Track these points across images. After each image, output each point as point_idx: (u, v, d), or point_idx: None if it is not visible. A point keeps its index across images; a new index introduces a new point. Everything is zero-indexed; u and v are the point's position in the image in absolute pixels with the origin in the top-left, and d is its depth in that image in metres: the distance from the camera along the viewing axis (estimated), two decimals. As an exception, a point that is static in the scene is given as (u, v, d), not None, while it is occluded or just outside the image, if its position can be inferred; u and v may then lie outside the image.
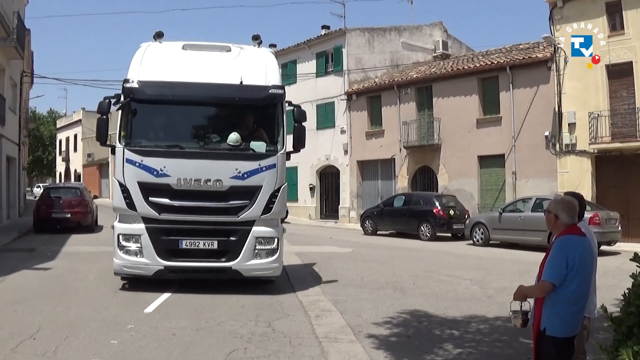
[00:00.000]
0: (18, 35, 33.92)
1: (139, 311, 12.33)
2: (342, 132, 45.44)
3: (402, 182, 41.01)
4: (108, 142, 14.70)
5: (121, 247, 14.21)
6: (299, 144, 14.97)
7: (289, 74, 48.43)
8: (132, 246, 14.16)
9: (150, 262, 14.04)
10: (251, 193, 14.21)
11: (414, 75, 40.77)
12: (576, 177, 30.91)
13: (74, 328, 10.95)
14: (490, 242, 28.40)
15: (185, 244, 14.15)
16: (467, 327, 11.60)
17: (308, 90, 46.64)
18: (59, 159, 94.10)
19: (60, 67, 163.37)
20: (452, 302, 14.08)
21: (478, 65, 36.83)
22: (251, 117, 15.03)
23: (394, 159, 41.64)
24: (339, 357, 9.46)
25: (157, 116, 15.05)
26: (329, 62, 47.14)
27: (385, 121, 42.38)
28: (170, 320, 11.62)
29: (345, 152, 45.22)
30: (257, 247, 14.38)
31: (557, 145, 32.15)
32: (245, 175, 14.08)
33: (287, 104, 15.06)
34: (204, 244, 14.21)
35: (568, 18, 31.42)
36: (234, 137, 14.20)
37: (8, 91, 36.86)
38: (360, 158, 44.27)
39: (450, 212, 31.81)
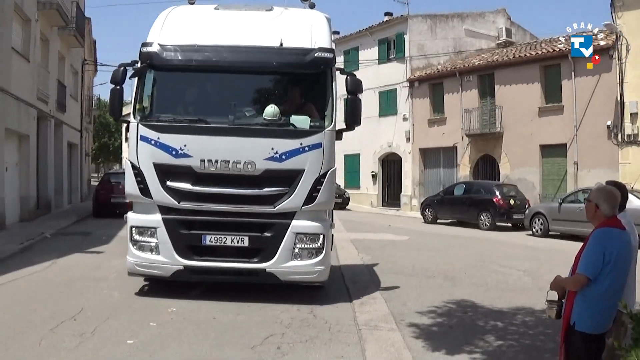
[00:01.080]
0: (77, 24, 35.26)
1: (182, 294, 12.32)
2: (405, 119, 45.21)
3: (463, 171, 40.66)
4: (122, 118, 13.15)
5: (134, 242, 12.03)
6: (353, 120, 12.21)
7: (350, 60, 48.62)
8: (147, 241, 11.96)
9: (168, 260, 11.83)
10: (291, 178, 11.72)
11: (476, 63, 40.37)
12: (638, 168, 30.02)
13: (116, 310, 11.28)
14: (550, 232, 27.76)
15: (210, 239, 11.82)
16: (512, 318, 11.37)
17: (370, 77, 46.05)
18: (124, 145, 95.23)
19: (125, 55, 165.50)
20: (501, 292, 13.83)
21: (540, 52, 36.16)
22: (293, 86, 12.77)
23: (456, 147, 41.25)
24: (376, 346, 9.40)
25: (178, 85, 12.77)
26: (391, 49, 46.94)
27: (448, 109, 42.01)
28: (213, 304, 11.77)
29: (408, 139, 44.98)
30: (297, 246, 11.87)
31: (619, 136, 31.43)
32: (284, 157, 11.58)
33: (338, 72, 12.54)
34: (233, 241, 11.82)
35: (630, 5, 30.67)
36: (270, 110, 11.77)
37: (69, 78, 37.92)
38: (423, 146, 43.98)
39: (511, 201, 31.27)
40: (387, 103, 46.69)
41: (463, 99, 40.56)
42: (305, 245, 11.99)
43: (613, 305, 5.91)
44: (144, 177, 11.80)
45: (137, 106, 12.02)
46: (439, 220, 34.82)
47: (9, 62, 24.19)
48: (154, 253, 11.92)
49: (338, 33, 51.55)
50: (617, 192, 6.33)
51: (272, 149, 11.61)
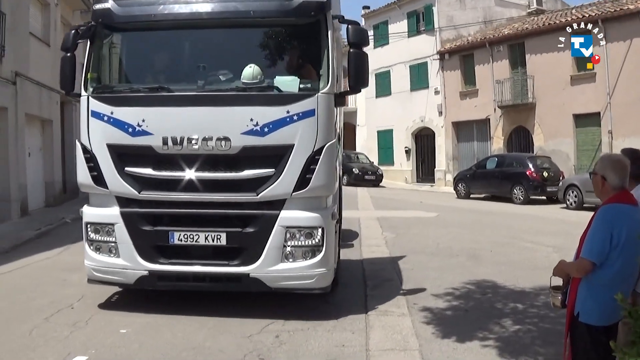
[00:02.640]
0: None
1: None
2: (436, 92, 44.63)
3: (497, 144, 40.00)
4: (75, 92, 10.07)
5: (91, 242, 9.83)
6: (357, 80, 9.58)
7: (381, 35, 48.28)
8: (104, 241, 9.75)
9: (130, 264, 9.58)
10: (276, 157, 9.33)
11: (506, 32, 39.59)
12: (677, 135, 28.88)
13: (117, 299, 10.77)
14: (584, 205, 26.84)
15: (179, 237, 9.48)
16: (534, 300, 10.70)
17: (400, 51, 46.32)
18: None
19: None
20: (526, 271, 13.11)
21: (570, 19, 35.05)
22: (277, 40, 10.23)
23: (489, 119, 40.57)
24: (382, 333, 8.91)
25: (137, 47, 10.55)
26: (420, 22, 46.30)
27: (479, 80, 41.35)
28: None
29: (440, 113, 44.40)
30: (288, 243, 9.38)
31: (654, 102, 30.34)
32: (266, 129, 9.18)
33: (336, 20, 9.99)
34: (207, 238, 9.46)
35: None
36: (249, 71, 9.37)
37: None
38: (455, 119, 43.33)
39: (544, 174, 30.55)
40: (418, 77, 46.14)
41: (494, 69, 39.85)
42: (299, 243, 9.44)
43: (623, 294, 4.91)
44: (97, 163, 9.60)
45: (89, 76, 9.72)
46: (472, 195, 34.27)
47: (27, 47, 23.81)
48: (113, 255, 9.70)
49: (368, 8, 51.67)
50: (626, 160, 5.42)
51: (251, 119, 9.18)
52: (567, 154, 34.96)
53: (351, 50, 9.52)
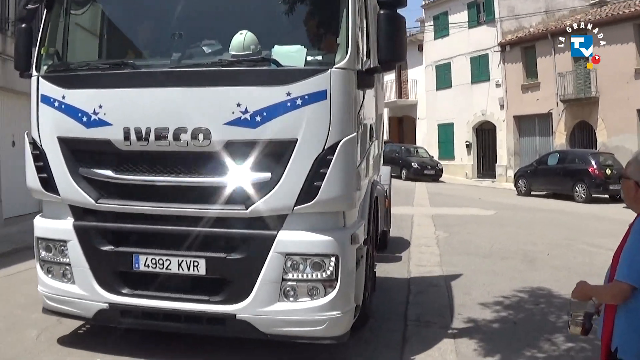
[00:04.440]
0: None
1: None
2: (497, 85, 43.73)
3: (559, 139, 38.95)
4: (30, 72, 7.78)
5: (42, 263, 7.79)
6: (389, 51, 7.05)
7: (440, 25, 47.92)
8: (57, 262, 7.66)
9: (86, 294, 7.42)
10: (273, 157, 6.90)
11: (568, 23, 38.18)
12: None
13: (86, 330, 8.82)
14: (650, 204, 25.70)
15: (145, 262, 7.17)
16: (589, 312, 9.92)
17: (461, 42, 45.69)
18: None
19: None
20: (584, 277, 11.84)
21: (634, 9, 34.02)
22: (279, 1, 7.52)
23: (551, 113, 39.56)
24: (419, 348, 8.17)
25: (100, 13, 8.40)
26: (481, 12, 45.31)
27: (541, 73, 40.30)
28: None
29: (501, 106, 43.48)
30: (288, 276, 6.92)
31: None
32: (258, 118, 6.78)
33: None
34: (180, 265, 7.10)
35: None
36: (239, 39, 7.03)
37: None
38: (517, 113, 42.33)
39: (607, 171, 29.48)
40: (479, 69, 45.29)
41: (556, 62, 38.74)
42: (303, 275, 6.95)
43: None
44: (47, 161, 7.52)
45: (42, 51, 7.70)
46: (532, 192, 33.46)
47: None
48: (66, 281, 7.61)
49: None
50: None
51: (238, 105, 6.79)
52: (631, 151, 32.95)
53: (381, 11, 7.02)
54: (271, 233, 6.91)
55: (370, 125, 8.83)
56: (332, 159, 6.76)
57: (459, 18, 46.70)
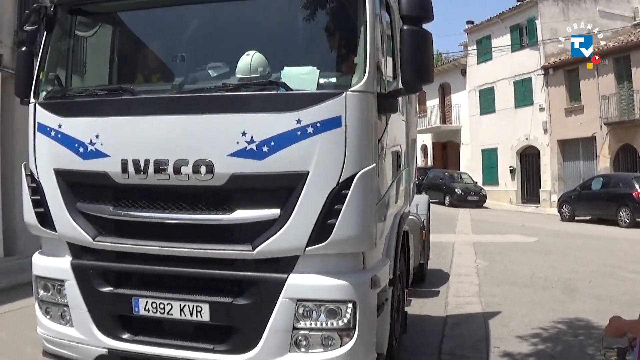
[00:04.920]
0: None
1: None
2: (541, 109, 43.51)
3: (603, 163, 38.59)
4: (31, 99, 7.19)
5: (41, 303, 7.18)
6: (413, 72, 6.28)
7: (484, 50, 47.89)
8: (55, 302, 7.06)
9: (85, 338, 6.77)
10: (282, 192, 6.20)
11: (611, 45, 38.26)
12: None
13: None
14: (696, 229, 25.38)
15: (145, 306, 6.53)
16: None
17: (504, 66, 45.65)
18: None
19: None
20: (626, 307, 11.79)
21: (677, 30, 33.49)
22: (291, 14, 6.93)
23: (595, 137, 39.23)
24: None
25: (103, 35, 7.82)
26: (523, 36, 45.33)
27: (584, 96, 40.07)
28: None
29: (545, 131, 43.19)
30: (300, 324, 6.17)
31: None
32: (265, 148, 6.05)
33: None
34: (183, 311, 6.41)
35: None
36: (246, 61, 6.35)
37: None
38: (561, 137, 42.05)
39: None
40: (522, 93, 45.12)
41: (600, 84, 38.50)
42: (317, 324, 6.20)
43: None
44: (44, 194, 6.96)
45: (41, 76, 7.17)
46: (576, 218, 33.10)
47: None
48: (65, 323, 6.96)
49: (472, 22, 51.43)
50: None
51: (243, 134, 6.07)
52: None
53: (404, 26, 6.23)
54: (281, 276, 6.15)
55: (398, 152, 8.12)
56: (347, 193, 6.00)
57: (501, 42, 46.62)
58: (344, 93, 5.99)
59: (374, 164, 6.22)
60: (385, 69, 6.87)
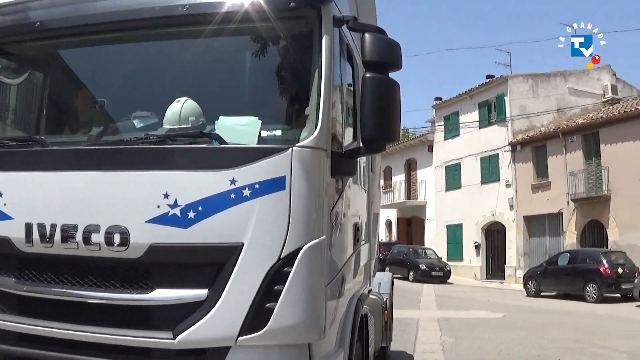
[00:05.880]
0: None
1: None
2: (507, 185, 43.50)
3: (570, 238, 38.43)
4: None
5: None
6: (376, 127, 5.21)
7: (451, 126, 48.12)
8: None
9: None
10: (210, 268, 4.92)
11: (580, 122, 38.35)
12: None
13: None
14: (663, 304, 24.98)
15: None
16: None
17: (471, 142, 45.81)
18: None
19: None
20: None
21: (646, 106, 33.79)
22: (232, 55, 5.77)
23: (562, 213, 39.21)
24: None
25: (10, 76, 6.41)
26: (492, 112, 45.53)
27: (552, 172, 40.17)
28: None
29: (511, 207, 43.14)
30: None
31: None
32: (191, 214, 4.85)
33: (342, 25, 5.56)
34: None
35: None
36: (176, 108, 5.24)
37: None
38: (527, 213, 42.00)
39: (619, 270, 29.02)
40: (489, 169, 45.18)
41: (567, 161, 38.62)
42: None
43: None
44: None
45: None
46: (542, 293, 32.86)
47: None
48: None
49: (440, 99, 51.80)
50: None
51: (166, 195, 4.89)
52: None
53: (367, 74, 5.24)
54: None
55: (357, 224, 6.84)
56: (290, 271, 4.81)
57: (469, 118, 46.83)
58: (290, 149, 4.88)
59: (324, 236, 5.05)
60: (343, 125, 5.75)
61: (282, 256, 4.76)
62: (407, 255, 43.70)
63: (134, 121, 5.48)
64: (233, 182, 4.80)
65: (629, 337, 17.22)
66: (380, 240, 51.56)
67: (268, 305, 4.71)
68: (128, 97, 5.87)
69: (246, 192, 4.79)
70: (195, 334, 4.76)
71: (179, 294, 4.88)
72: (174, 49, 5.85)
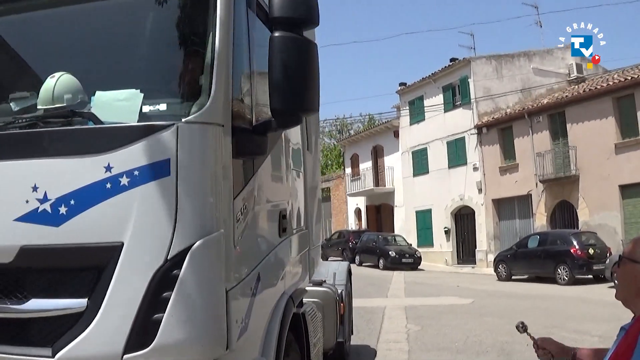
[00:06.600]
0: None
1: None
2: (475, 169, 43.04)
3: (540, 220, 38.05)
4: None
5: None
6: (286, 95, 4.38)
7: (416, 111, 47.77)
8: None
9: None
10: (87, 274, 4.05)
11: (545, 101, 37.98)
12: None
13: None
14: (635, 283, 24.45)
15: None
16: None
17: (437, 127, 45.37)
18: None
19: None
20: None
21: (611, 83, 33.60)
22: (114, 27, 4.77)
23: (531, 195, 38.81)
24: None
25: None
26: (456, 95, 45.01)
27: (519, 154, 39.76)
28: None
29: (480, 190, 42.69)
30: None
31: None
32: (63, 209, 4.01)
33: None
34: None
35: None
36: (49, 85, 4.25)
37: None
38: (495, 196, 41.61)
39: (590, 251, 28.60)
40: (456, 153, 44.72)
41: (534, 142, 38.25)
42: None
43: None
44: None
45: None
46: (513, 277, 32.41)
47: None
48: None
49: (405, 84, 51.26)
50: None
51: (34, 188, 4.07)
52: (614, 228, 32.98)
53: (276, 34, 4.43)
54: None
55: (282, 212, 5.87)
56: (178, 275, 4.00)
57: (434, 102, 46.34)
58: (175, 125, 4.06)
59: (222, 230, 4.21)
60: (254, 96, 4.86)
61: (169, 257, 3.99)
62: (376, 243, 43.24)
63: (10, 104, 4.54)
64: (108, 169, 4.02)
65: (601, 320, 16.75)
66: (350, 228, 50.99)
67: (155, 316, 3.93)
68: (3, 78, 5.00)
69: (124, 181, 4.01)
70: (76, 350, 3.96)
71: (56, 304, 4.06)
72: (52, 17, 4.91)
